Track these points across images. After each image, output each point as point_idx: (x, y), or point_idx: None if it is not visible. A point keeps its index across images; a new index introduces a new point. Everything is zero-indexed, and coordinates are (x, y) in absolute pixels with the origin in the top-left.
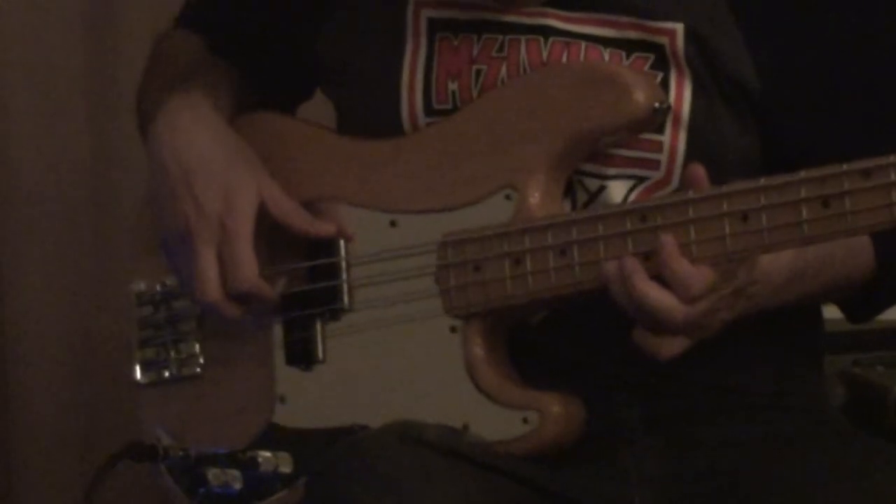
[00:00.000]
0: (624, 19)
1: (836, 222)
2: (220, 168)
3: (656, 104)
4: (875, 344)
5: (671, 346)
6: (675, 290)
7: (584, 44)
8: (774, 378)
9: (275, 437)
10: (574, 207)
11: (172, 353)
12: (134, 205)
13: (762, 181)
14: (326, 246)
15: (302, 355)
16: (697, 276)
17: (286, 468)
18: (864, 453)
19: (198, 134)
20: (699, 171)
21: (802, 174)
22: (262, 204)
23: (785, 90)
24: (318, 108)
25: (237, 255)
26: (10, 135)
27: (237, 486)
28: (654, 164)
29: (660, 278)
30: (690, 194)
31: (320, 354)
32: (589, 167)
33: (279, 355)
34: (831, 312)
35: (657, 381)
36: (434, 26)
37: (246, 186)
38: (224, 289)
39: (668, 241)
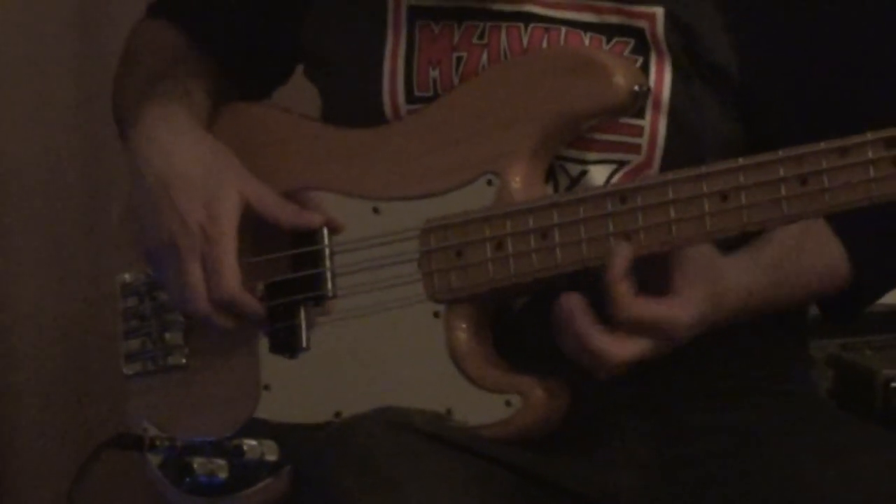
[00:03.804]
0: (604, 3)
1: (814, 200)
2: (199, 177)
3: (636, 87)
4: (863, 328)
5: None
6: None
7: (564, 29)
8: (761, 363)
9: (260, 424)
10: (556, 192)
11: (158, 344)
12: (124, 198)
13: (741, 161)
14: (310, 234)
15: (286, 343)
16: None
17: (272, 456)
18: (851, 437)
19: (175, 146)
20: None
21: (780, 153)
22: (247, 204)
23: (765, 75)
24: (303, 96)
25: (219, 264)
26: (3, 130)
27: (223, 475)
28: (635, 149)
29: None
30: (670, 175)
31: (304, 342)
32: (570, 152)
33: (263, 344)
34: None
35: (644, 366)
36: (415, 14)
37: (227, 191)
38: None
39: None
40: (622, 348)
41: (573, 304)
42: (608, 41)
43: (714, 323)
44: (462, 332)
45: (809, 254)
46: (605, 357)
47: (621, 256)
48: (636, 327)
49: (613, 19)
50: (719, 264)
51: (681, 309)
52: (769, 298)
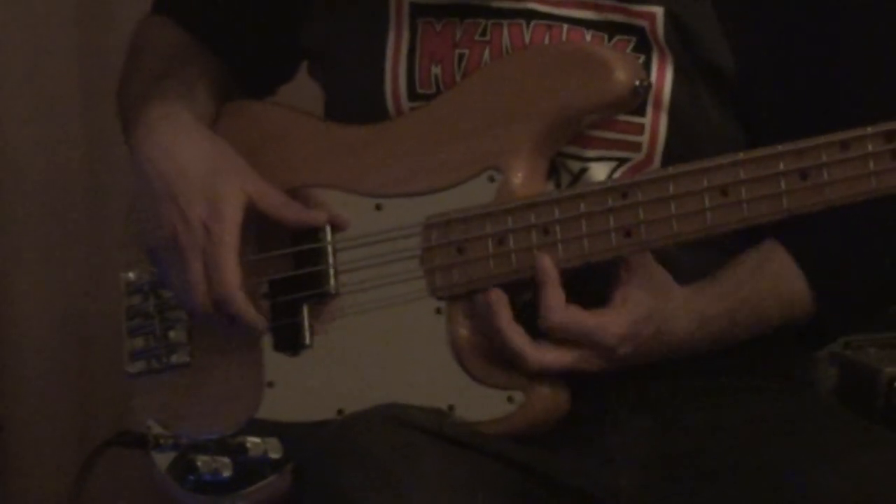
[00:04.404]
0: (605, 2)
1: (814, 194)
2: (202, 176)
3: (637, 82)
4: (866, 326)
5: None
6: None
7: (566, 26)
8: (762, 361)
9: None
10: (557, 189)
11: (162, 342)
12: (126, 195)
13: (741, 155)
14: (312, 231)
15: (289, 341)
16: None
17: (275, 453)
18: (851, 435)
19: (178, 145)
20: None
21: (780, 147)
22: (250, 202)
23: (764, 75)
24: (306, 94)
25: (220, 263)
26: (5, 128)
27: (227, 473)
28: (636, 146)
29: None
30: (670, 170)
31: (307, 339)
32: (571, 149)
33: (267, 341)
34: None
35: (643, 363)
36: (417, 11)
37: (229, 190)
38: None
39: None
40: (542, 353)
41: (496, 299)
42: (610, 39)
43: (667, 344)
44: (463, 329)
45: (768, 278)
46: (521, 358)
47: (548, 265)
48: (564, 336)
49: (615, 17)
50: (666, 286)
51: (610, 320)
52: (726, 324)
